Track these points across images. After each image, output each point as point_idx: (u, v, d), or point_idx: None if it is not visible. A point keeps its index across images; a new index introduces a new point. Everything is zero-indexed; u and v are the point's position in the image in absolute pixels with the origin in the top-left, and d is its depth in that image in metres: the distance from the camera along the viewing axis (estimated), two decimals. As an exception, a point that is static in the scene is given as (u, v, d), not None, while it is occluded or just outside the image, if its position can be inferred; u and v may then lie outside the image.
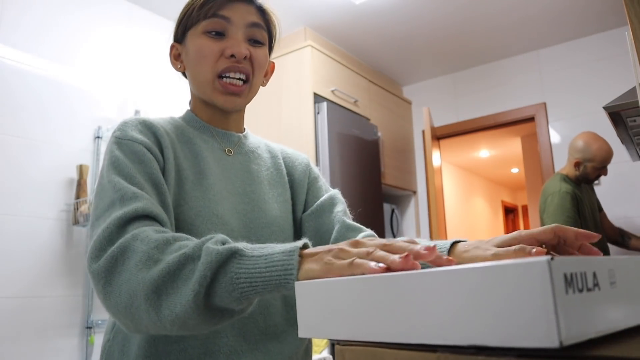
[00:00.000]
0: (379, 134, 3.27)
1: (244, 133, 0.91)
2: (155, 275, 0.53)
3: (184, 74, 0.90)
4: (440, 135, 3.74)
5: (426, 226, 3.67)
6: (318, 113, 2.73)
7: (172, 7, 2.74)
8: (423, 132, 3.83)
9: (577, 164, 2.39)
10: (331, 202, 0.90)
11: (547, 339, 0.28)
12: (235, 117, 0.88)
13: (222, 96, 0.81)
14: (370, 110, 3.29)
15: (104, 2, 2.58)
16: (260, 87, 0.88)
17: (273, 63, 0.92)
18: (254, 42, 0.83)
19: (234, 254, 0.51)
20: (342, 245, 0.50)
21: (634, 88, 1.64)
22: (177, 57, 0.87)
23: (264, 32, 0.84)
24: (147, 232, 0.59)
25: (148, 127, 0.77)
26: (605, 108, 1.70)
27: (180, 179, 0.76)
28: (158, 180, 0.70)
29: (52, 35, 2.34)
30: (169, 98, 2.75)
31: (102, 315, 2.28)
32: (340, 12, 2.88)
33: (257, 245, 0.53)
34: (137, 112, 2.45)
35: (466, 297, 0.33)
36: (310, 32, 3.03)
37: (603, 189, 3.06)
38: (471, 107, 3.66)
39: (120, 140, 0.73)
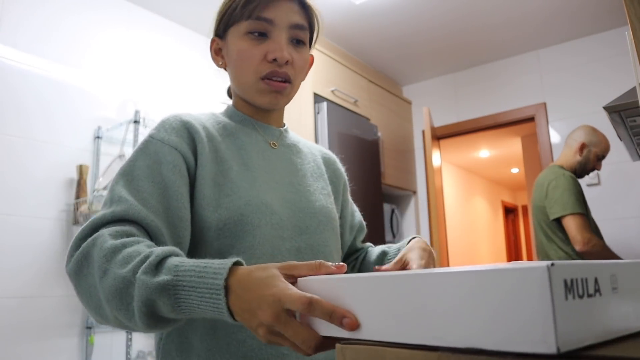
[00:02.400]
0: (379, 134, 3.27)
1: (284, 127, 0.92)
2: (107, 289, 0.57)
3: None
4: (440, 135, 3.73)
5: (426, 226, 3.67)
6: (318, 113, 2.73)
7: (172, 8, 2.74)
8: (423, 132, 3.83)
9: (582, 147, 2.32)
10: (361, 228, 1.01)
11: (544, 345, 0.28)
12: (276, 115, 0.90)
13: (266, 96, 0.81)
14: (370, 110, 3.29)
15: (105, 3, 2.58)
16: None
17: (312, 56, 0.92)
18: (297, 42, 0.82)
19: (163, 290, 0.54)
20: (281, 321, 0.47)
21: (634, 88, 1.64)
22: (217, 52, 0.86)
23: (306, 32, 0.83)
24: (104, 237, 0.62)
25: (184, 124, 0.78)
26: (605, 108, 1.70)
27: (224, 170, 0.76)
28: (170, 183, 0.71)
29: (53, 36, 2.34)
30: (169, 98, 2.75)
31: (102, 315, 2.27)
32: (340, 12, 2.88)
33: (188, 269, 0.54)
34: (137, 112, 2.45)
35: (466, 299, 0.33)
36: (310, 32, 3.03)
37: (603, 189, 3.06)
38: (471, 107, 3.65)
39: (151, 138, 0.75)
